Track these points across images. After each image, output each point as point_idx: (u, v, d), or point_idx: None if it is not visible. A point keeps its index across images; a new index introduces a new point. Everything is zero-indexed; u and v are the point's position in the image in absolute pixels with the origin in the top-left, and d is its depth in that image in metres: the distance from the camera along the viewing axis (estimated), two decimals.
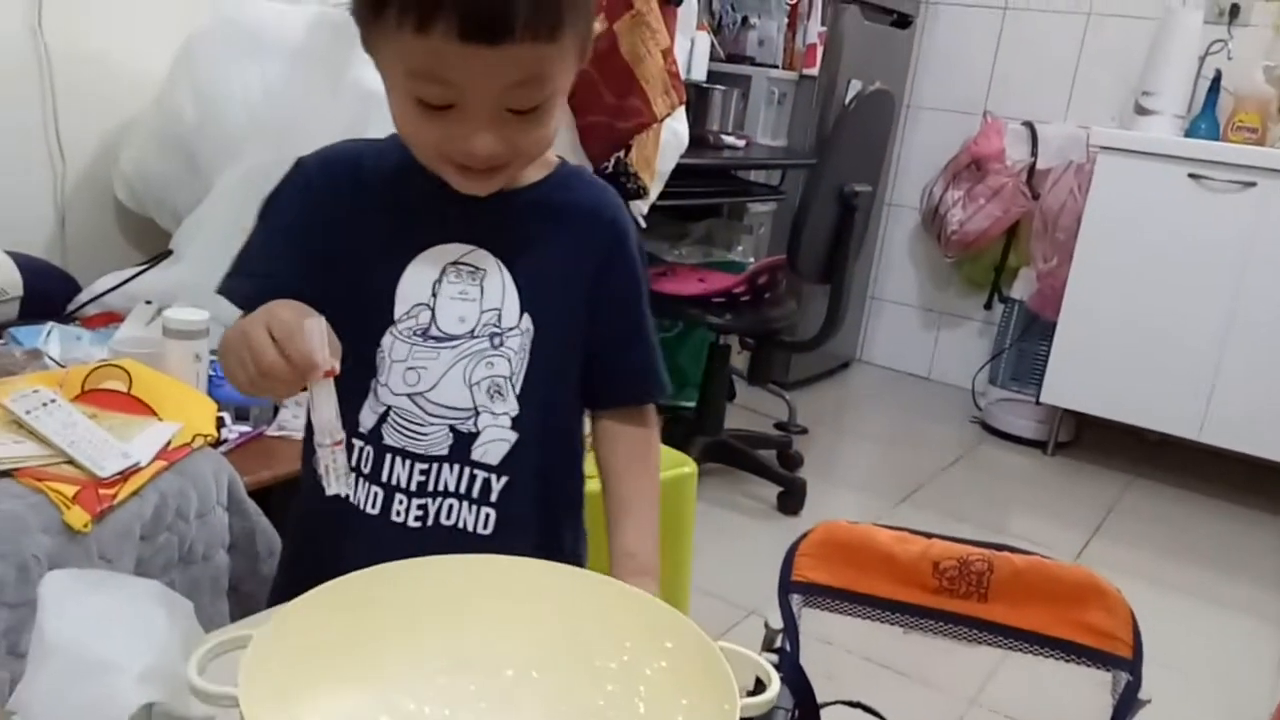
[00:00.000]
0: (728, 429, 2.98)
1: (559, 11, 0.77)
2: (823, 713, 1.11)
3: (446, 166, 0.84)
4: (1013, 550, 1.11)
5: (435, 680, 0.73)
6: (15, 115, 1.91)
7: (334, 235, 0.91)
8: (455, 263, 0.91)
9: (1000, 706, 2.01)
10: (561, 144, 1.85)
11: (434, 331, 0.91)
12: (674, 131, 2.14)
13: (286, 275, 0.89)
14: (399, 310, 0.91)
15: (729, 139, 3.15)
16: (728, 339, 2.90)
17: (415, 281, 0.91)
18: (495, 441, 0.93)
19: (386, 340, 0.91)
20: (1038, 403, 3.50)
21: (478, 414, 0.92)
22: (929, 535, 1.14)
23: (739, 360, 3.33)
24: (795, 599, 1.11)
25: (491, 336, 0.92)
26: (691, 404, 3.07)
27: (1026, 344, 3.77)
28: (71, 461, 1.23)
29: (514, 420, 0.93)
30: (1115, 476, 3.39)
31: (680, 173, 2.30)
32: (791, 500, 2.79)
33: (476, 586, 0.77)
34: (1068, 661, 1.07)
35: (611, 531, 0.98)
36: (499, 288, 0.92)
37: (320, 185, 0.92)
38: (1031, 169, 3.69)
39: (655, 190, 2.18)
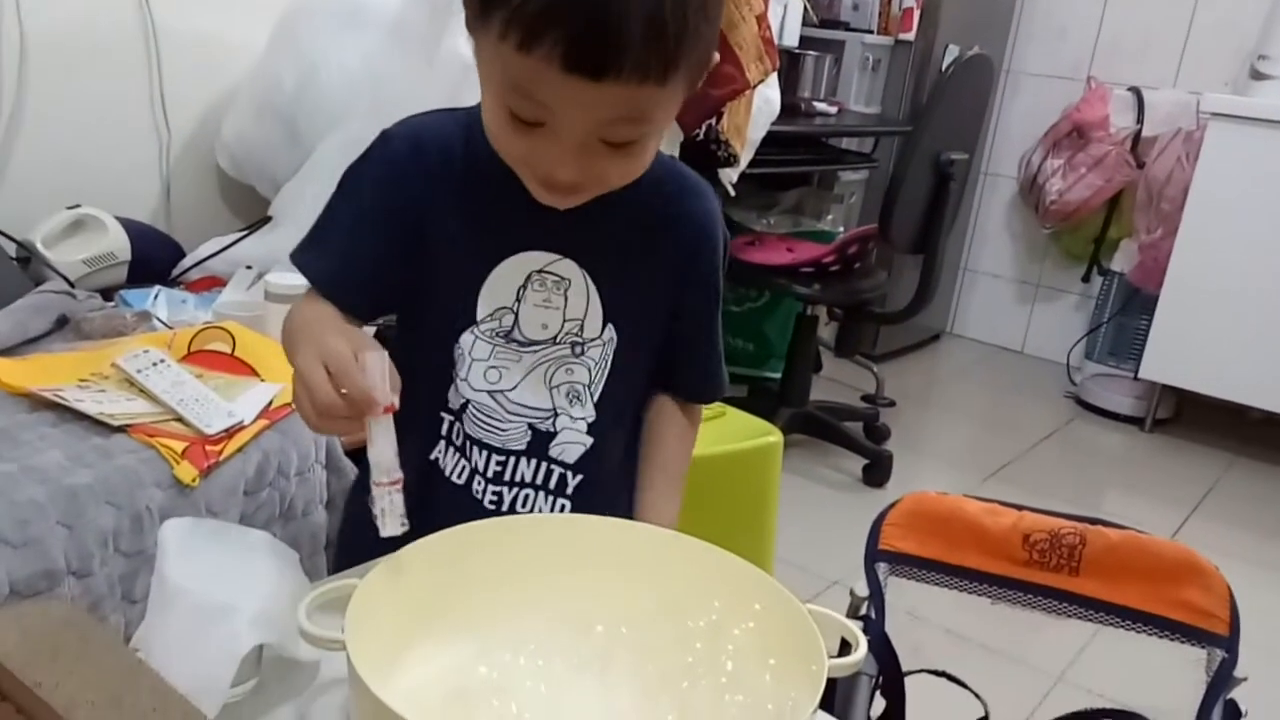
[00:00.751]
0: (813, 401, 2.96)
1: (675, 52, 0.71)
2: (907, 681, 1.11)
3: (529, 176, 0.81)
4: (1106, 524, 1.09)
5: (530, 634, 0.75)
6: (123, 87, 1.99)
7: (419, 223, 0.87)
8: (540, 271, 0.89)
9: (1088, 684, 1.98)
10: None
11: (516, 335, 0.90)
12: (766, 99, 2.12)
13: (366, 257, 0.87)
14: (481, 311, 0.89)
15: (821, 106, 3.10)
16: (815, 310, 2.88)
17: (499, 286, 0.89)
18: (572, 444, 0.94)
19: (467, 339, 0.90)
20: (1136, 378, 3.39)
21: (556, 415, 0.92)
22: (1019, 507, 1.12)
23: (826, 332, 3.30)
24: (881, 568, 1.11)
25: (573, 345, 0.91)
26: (776, 375, 3.06)
27: (1126, 318, 3.66)
28: (180, 419, 1.29)
29: (590, 425, 0.94)
30: (1215, 455, 3.27)
31: (771, 140, 2.28)
32: (877, 473, 2.76)
33: (571, 545, 0.79)
34: (1161, 638, 1.05)
35: (641, 487, 0.99)
36: (583, 298, 0.91)
37: (408, 167, 0.87)
38: (1137, 137, 3.56)
39: (746, 158, 2.17)
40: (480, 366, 0.90)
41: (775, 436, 1.67)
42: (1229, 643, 1.01)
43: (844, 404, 3.20)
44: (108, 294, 1.72)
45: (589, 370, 0.93)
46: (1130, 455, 3.28)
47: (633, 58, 0.69)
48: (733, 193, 2.25)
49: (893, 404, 3.33)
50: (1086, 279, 3.90)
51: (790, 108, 2.84)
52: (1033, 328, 4.09)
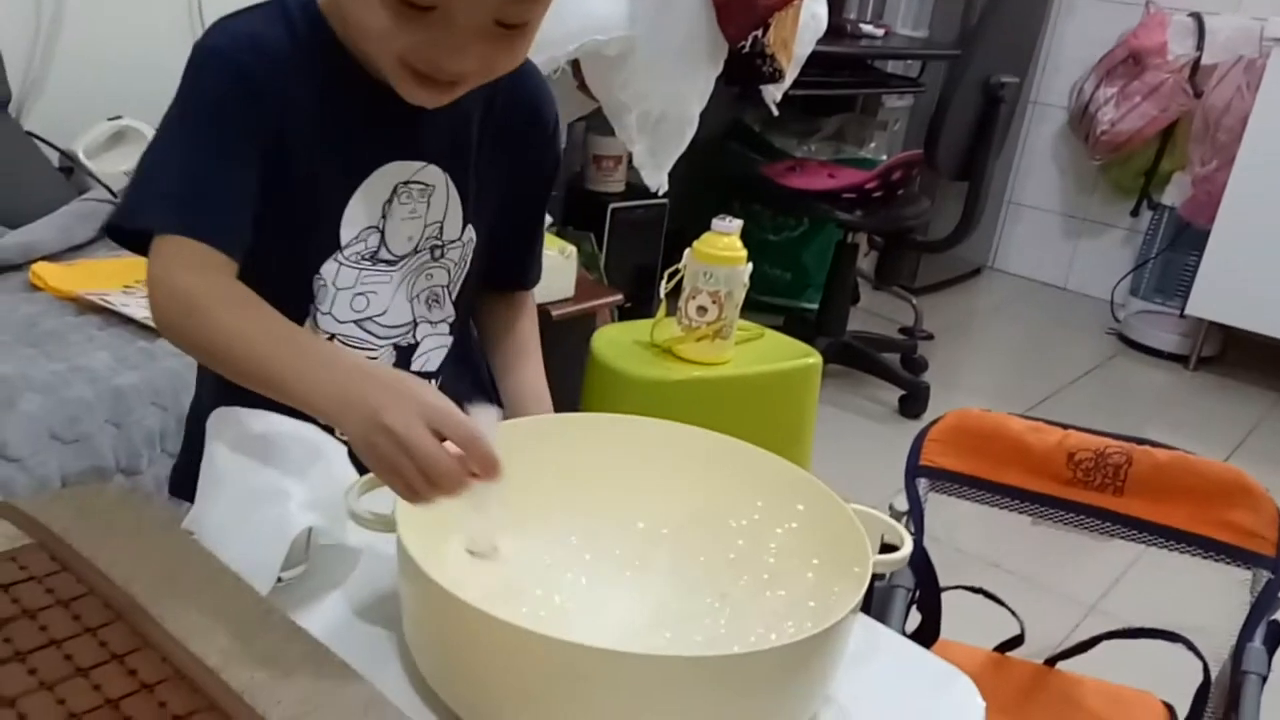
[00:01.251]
0: (850, 331, 2.94)
1: None
2: (943, 598, 1.11)
3: (403, 73, 0.74)
4: (1154, 444, 1.07)
5: (573, 529, 0.76)
6: (165, 10, 1.97)
7: (276, 144, 0.77)
8: (407, 182, 0.83)
9: (1120, 615, 1.98)
10: (698, 21, 1.81)
11: (383, 255, 0.84)
12: (813, 13, 2.07)
13: (240, 196, 0.75)
14: (345, 235, 0.82)
15: (867, 28, 3.02)
16: (856, 238, 2.84)
17: (364, 204, 0.82)
18: (434, 350, 0.91)
19: (329, 268, 0.82)
20: (1182, 315, 3.33)
21: (416, 325, 0.89)
22: (1065, 426, 1.11)
23: (865, 264, 3.26)
24: (921, 483, 1.10)
25: (433, 249, 0.87)
26: (813, 306, 3.03)
27: (1174, 253, 3.58)
28: None
29: (450, 325, 0.91)
30: (1261, 394, 3.22)
31: (814, 62, 2.23)
32: (914, 404, 2.75)
33: (614, 444, 0.79)
34: (1205, 558, 1.04)
35: (507, 378, 0.96)
36: (443, 201, 0.86)
37: (258, 80, 0.75)
38: (1195, 64, 3.44)
39: (791, 75, 2.12)
40: (346, 295, 0.84)
41: (814, 358, 1.66)
42: (1275, 564, 1.00)
43: (881, 334, 3.17)
44: None
45: (448, 272, 0.89)
46: (1173, 393, 3.23)
47: None
48: (775, 111, 2.20)
49: (931, 337, 3.30)
50: (1135, 213, 3.81)
51: (836, 29, 2.76)
52: (1077, 263, 4.02)
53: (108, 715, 0.53)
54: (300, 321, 0.83)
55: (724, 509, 0.78)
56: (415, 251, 0.86)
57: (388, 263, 0.85)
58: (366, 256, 0.84)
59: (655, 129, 1.89)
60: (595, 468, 0.78)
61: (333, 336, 0.85)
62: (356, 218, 0.82)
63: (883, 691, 0.72)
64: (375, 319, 0.86)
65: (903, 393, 2.78)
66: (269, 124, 0.76)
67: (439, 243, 0.87)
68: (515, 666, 0.58)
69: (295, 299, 0.82)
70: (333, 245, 0.82)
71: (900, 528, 0.72)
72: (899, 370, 2.87)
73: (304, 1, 0.79)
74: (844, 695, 0.69)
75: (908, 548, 0.70)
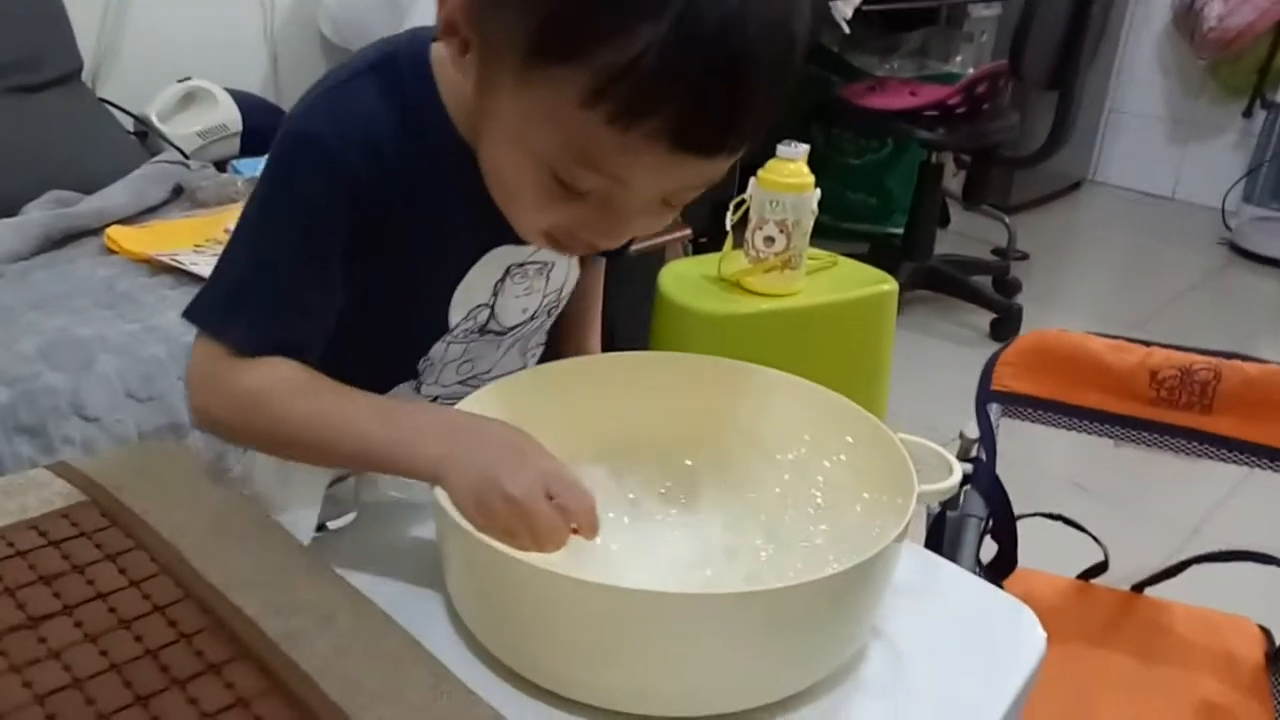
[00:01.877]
0: (939, 255, 2.84)
1: (777, 114, 0.59)
2: (1020, 526, 1.07)
3: (541, 239, 0.66)
4: (1245, 358, 1.01)
5: (616, 467, 0.75)
6: None
7: (376, 243, 0.69)
8: (521, 264, 0.76)
9: (1215, 541, 1.89)
10: None
11: (493, 326, 0.78)
12: None
13: (329, 313, 0.69)
14: (454, 318, 0.76)
15: None
16: (940, 158, 2.73)
17: (473, 288, 0.75)
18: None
19: (438, 349, 0.77)
20: None
21: (525, 366, 0.85)
22: (1147, 344, 1.05)
23: (954, 185, 3.14)
24: (993, 409, 1.06)
25: (550, 310, 0.83)
26: (899, 230, 2.94)
27: None
28: None
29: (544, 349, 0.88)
30: None
31: None
32: (1005, 327, 2.65)
33: (660, 379, 0.78)
34: None
35: (568, 343, 0.91)
36: (564, 271, 0.80)
37: (367, 183, 0.65)
38: None
39: None
40: (452, 366, 0.79)
41: (889, 285, 1.60)
42: None
43: (972, 257, 3.06)
44: (221, 165, 1.76)
45: (551, 315, 0.84)
46: None
47: (750, 128, 0.58)
48: (846, 29, 2.12)
49: (1025, 257, 3.18)
50: (1248, 114, 3.58)
51: None
52: (1184, 171, 3.81)
53: (147, 664, 0.55)
54: (401, 385, 0.79)
55: (771, 443, 0.76)
56: (533, 318, 0.81)
57: (497, 333, 0.79)
58: (475, 330, 0.78)
59: None
60: (638, 407, 0.76)
61: (437, 398, 0.80)
62: (466, 300, 0.75)
63: (938, 625, 0.70)
64: (481, 376, 0.81)
65: (994, 316, 2.69)
66: (371, 223, 0.67)
67: (557, 304, 0.82)
68: (556, 612, 0.58)
69: (399, 377, 0.78)
70: (441, 329, 0.76)
71: (947, 454, 0.69)
72: (990, 293, 2.78)
73: (415, 59, 0.68)
74: (895, 629, 0.67)
75: (955, 477, 0.67)
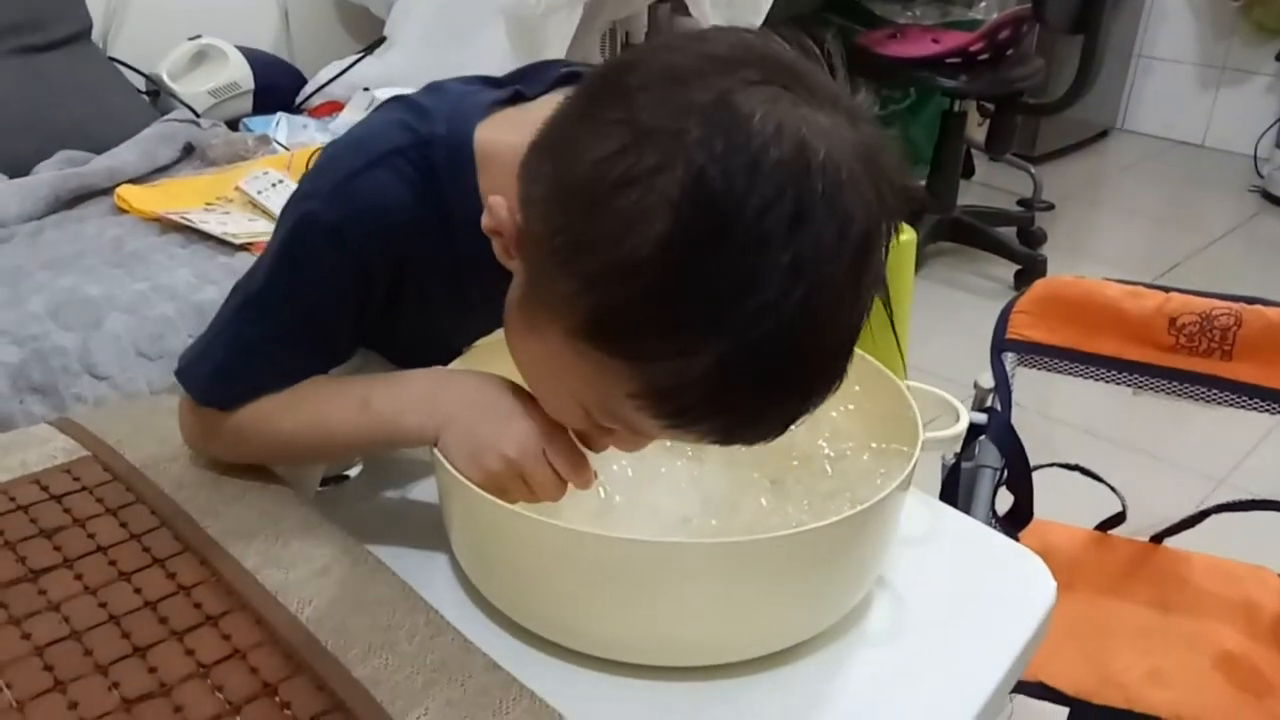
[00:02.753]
0: (962, 206, 2.80)
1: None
2: (1036, 477, 1.06)
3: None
4: (1265, 303, 0.98)
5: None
6: None
7: (386, 315, 0.67)
8: None
9: (1249, 491, 1.87)
10: None
11: None
12: None
13: (324, 369, 0.67)
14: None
15: None
16: (963, 106, 2.68)
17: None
18: None
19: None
20: None
21: None
22: (1165, 289, 1.02)
23: (979, 135, 3.08)
24: (1009, 357, 1.05)
25: None
26: (921, 181, 2.89)
27: None
28: None
29: None
30: None
31: None
32: (1030, 279, 2.60)
33: None
34: None
35: None
36: None
37: (378, 270, 0.64)
38: None
39: None
40: None
41: (907, 234, 1.58)
42: None
43: (996, 208, 3.01)
44: (233, 124, 1.75)
45: None
46: None
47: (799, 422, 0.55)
48: None
49: (1051, 207, 3.12)
50: None
51: None
52: (1216, 117, 3.71)
53: (145, 616, 0.55)
54: None
55: None
56: None
57: None
58: None
59: (730, 4, 1.80)
60: None
61: None
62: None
63: (945, 573, 0.69)
64: None
65: (1019, 268, 2.65)
66: (378, 299, 0.65)
67: None
68: (558, 564, 0.58)
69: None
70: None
71: (956, 402, 0.67)
72: (1014, 244, 2.73)
73: (455, 151, 0.63)
74: (901, 579, 0.67)
75: (962, 424, 0.66)
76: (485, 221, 0.55)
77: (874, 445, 0.71)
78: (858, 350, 0.71)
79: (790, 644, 0.60)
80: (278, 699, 0.50)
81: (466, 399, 0.62)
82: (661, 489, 0.71)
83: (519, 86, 0.66)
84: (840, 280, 0.49)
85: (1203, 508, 1.09)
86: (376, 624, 0.55)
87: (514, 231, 0.54)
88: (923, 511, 0.74)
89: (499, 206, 0.55)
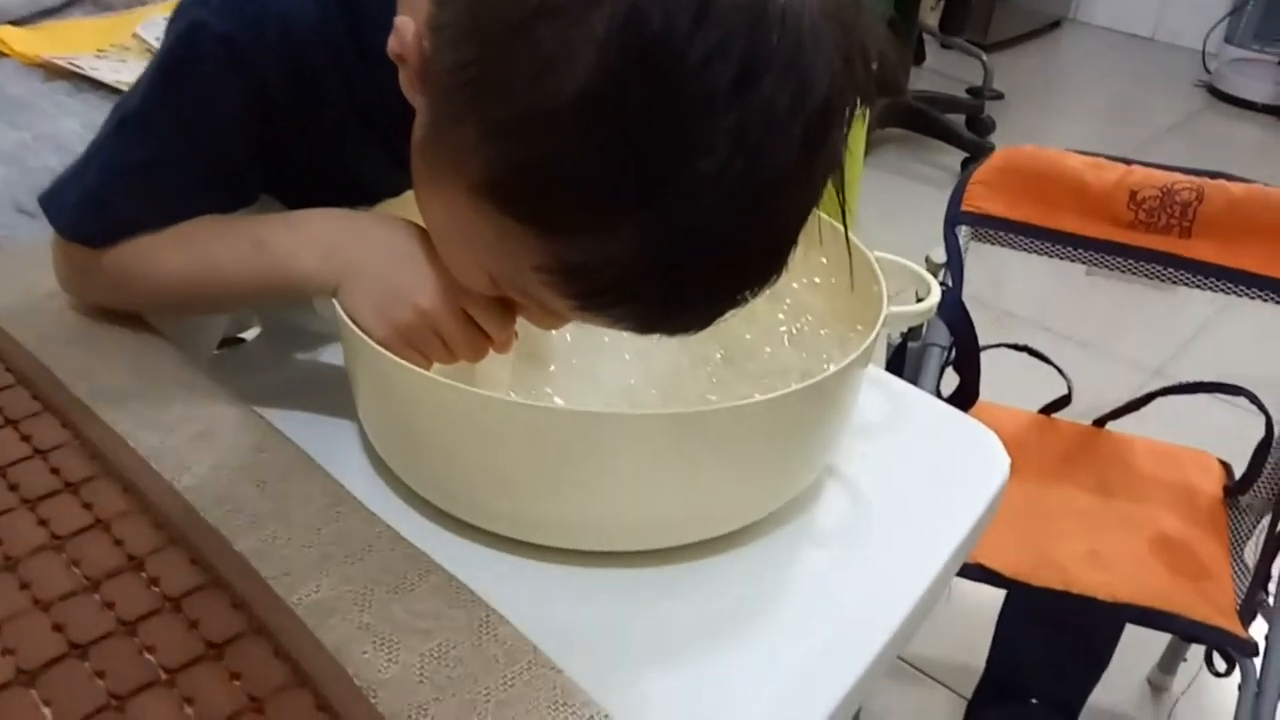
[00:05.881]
0: (912, 90, 2.72)
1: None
2: (983, 358, 1.02)
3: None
4: (1229, 178, 0.94)
5: None
6: None
7: (278, 164, 0.59)
8: None
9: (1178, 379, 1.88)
10: None
11: None
12: None
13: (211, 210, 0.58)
14: None
15: None
16: None
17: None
18: None
19: None
20: None
21: None
22: (1129, 162, 0.98)
23: (932, 18, 2.98)
24: (962, 230, 1.00)
25: None
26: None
27: None
28: None
29: None
30: None
31: None
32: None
33: None
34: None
35: None
36: None
37: (285, 100, 0.55)
38: None
39: None
40: None
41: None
42: None
43: (946, 94, 2.95)
44: None
45: None
46: (1266, 147, 2.99)
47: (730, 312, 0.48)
48: None
49: (1000, 96, 3.06)
50: None
51: None
52: (1168, 9, 3.66)
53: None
54: None
55: None
56: None
57: None
58: None
59: None
60: None
61: None
62: None
63: (898, 450, 0.65)
64: None
65: (965, 156, 2.60)
66: (281, 132, 0.57)
67: None
68: (477, 437, 0.51)
69: None
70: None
71: (928, 276, 0.62)
72: (962, 132, 2.68)
73: None
74: (855, 453, 0.62)
75: (934, 297, 0.60)
76: (391, 45, 0.47)
77: (835, 320, 0.65)
78: (824, 216, 0.66)
79: (731, 529, 0.55)
80: (144, 574, 0.43)
81: (373, 243, 0.55)
82: (601, 359, 0.65)
83: None
84: (791, 155, 0.42)
85: (1161, 387, 1.07)
86: (265, 492, 0.49)
87: (419, 61, 0.46)
88: (876, 388, 0.69)
89: (405, 29, 0.46)
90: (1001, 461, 0.64)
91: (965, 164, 2.59)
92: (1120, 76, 3.47)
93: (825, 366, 0.62)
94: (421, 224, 0.53)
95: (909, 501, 0.60)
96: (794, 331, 0.67)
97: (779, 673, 0.49)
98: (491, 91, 0.42)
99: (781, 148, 0.41)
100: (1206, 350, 1.91)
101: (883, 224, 2.10)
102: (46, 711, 0.37)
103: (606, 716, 0.40)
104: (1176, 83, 3.37)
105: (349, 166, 0.61)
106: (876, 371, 0.71)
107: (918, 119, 2.66)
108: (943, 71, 3.17)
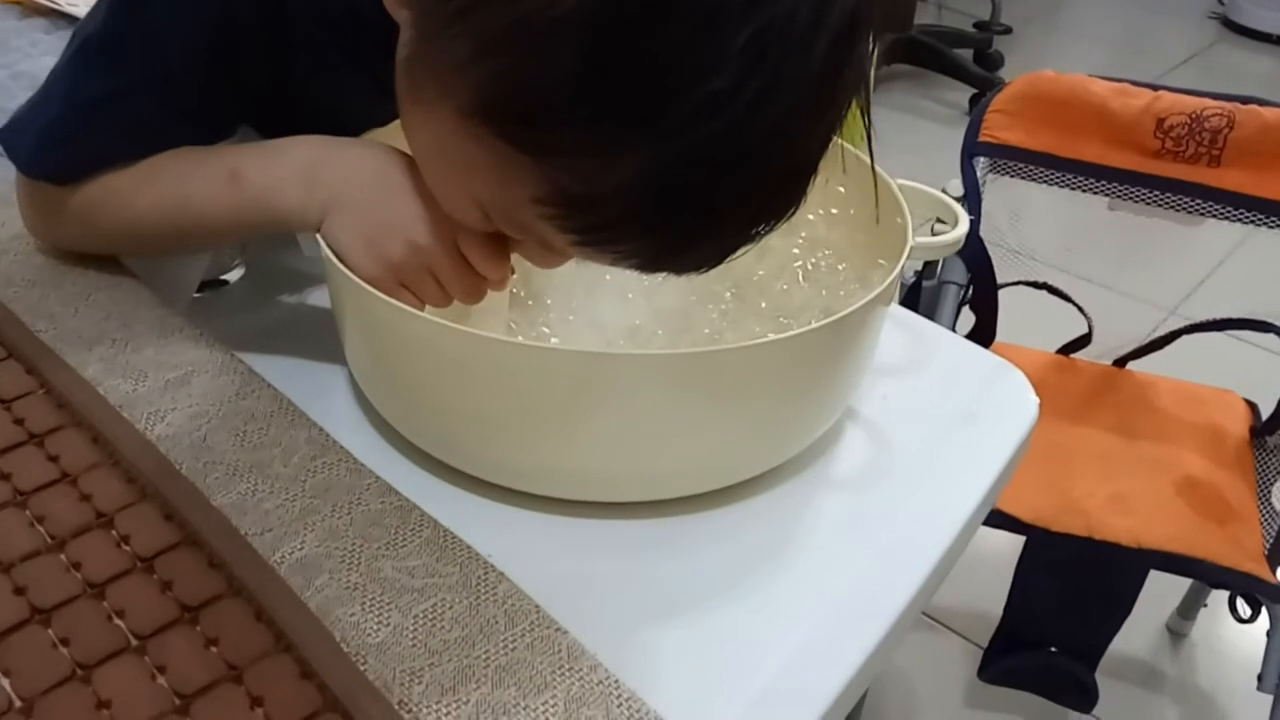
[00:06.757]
0: (918, 25, 2.66)
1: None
2: (1001, 296, 0.98)
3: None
4: (1261, 103, 0.89)
5: None
6: None
7: (276, 101, 0.56)
8: None
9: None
10: None
11: None
12: None
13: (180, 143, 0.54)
14: None
15: None
16: None
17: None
18: None
19: None
20: None
21: None
22: (1155, 87, 0.93)
23: None
24: (980, 162, 0.95)
25: None
26: None
27: None
28: None
29: None
30: None
31: None
32: None
33: None
34: None
35: None
36: None
37: (249, 16, 0.52)
38: None
39: None
40: None
41: None
42: None
43: (953, 28, 2.88)
44: None
45: None
46: None
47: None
48: None
49: (1008, 30, 2.99)
50: None
51: None
52: None
53: None
54: None
55: None
56: None
57: None
58: None
59: None
60: None
61: None
62: None
63: (922, 391, 0.61)
64: None
65: (974, 92, 2.54)
66: (256, 56, 0.53)
67: None
68: (474, 381, 0.48)
69: None
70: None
71: (954, 204, 0.58)
72: (970, 67, 2.62)
73: None
74: (876, 395, 0.58)
75: (962, 227, 0.56)
76: None
77: (856, 253, 0.61)
78: (842, 142, 0.61)
79: (745, 477, 0.52)
80: (114, 532, 0.40)
81: (360, 172, 0.50)
82: (605, 298, 0.61)
83: None
84: (811, 73, 0.37)
85: (1187, 325, 1.03)
86: (245, 442, 0.46)
87: None
88: (897, 327, 0.65)
89: None
90: (1030, 402, 0.61)
91: (974, 100, 2.53)
92: (1130, 8, 3.39)
93: (845, 303, 0.58)
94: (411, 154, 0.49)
95: (934, 445, 0.56)
96: (809, 266, 0.63)
97: (799, 630, 0.45)
98: (483, 1, 0.37)
99: (802, 66, 0.37)
100: (1226, 287, 1.87)
101: (890, 161, 2.05)
102: (4, 682, 0.34)
103: (616, 680, 0.37)
104: (1189, 15, 3.29)
105: (329, 92, 0.56)
106: (896, 309, 0.67)
107: (925, 54, 2.60)
108: (950, 5, 3.09)
